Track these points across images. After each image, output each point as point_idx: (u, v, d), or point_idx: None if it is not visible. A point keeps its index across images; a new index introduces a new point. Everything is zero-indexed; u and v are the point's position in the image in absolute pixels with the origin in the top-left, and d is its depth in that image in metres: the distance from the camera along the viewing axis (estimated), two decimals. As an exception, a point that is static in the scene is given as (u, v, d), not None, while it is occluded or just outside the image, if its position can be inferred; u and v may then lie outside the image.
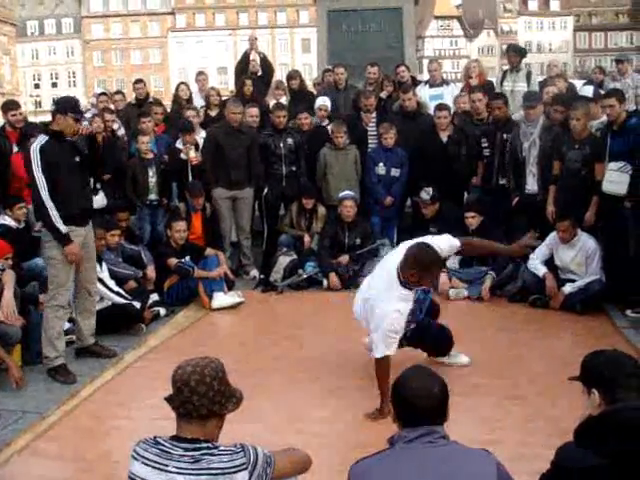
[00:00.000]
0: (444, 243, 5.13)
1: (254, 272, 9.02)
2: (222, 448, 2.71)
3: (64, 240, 5.71)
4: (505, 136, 8.35)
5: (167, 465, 2.68)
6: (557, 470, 2.59)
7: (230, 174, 8.83)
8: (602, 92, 9.12)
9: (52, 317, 5.81)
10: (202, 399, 2.70)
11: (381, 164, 9.07)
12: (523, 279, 7.69)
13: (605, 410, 2.63)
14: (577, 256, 7.41)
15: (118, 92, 12.39)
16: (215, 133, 8.97)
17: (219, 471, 2.64)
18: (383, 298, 4.90)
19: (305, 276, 8.51)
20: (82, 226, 5.91)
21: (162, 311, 7.50)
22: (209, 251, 8.22)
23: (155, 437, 2.78)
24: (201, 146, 9.13)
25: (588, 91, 9.24)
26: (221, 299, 7.79)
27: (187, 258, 8.02)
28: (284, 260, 8.64)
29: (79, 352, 6.25)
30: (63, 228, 5.68)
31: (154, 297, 7.61)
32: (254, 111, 9.33)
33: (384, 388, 4.79)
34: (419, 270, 4.70)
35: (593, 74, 12.42)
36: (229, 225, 9.02)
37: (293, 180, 9.16)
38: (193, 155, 8.93)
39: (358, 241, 8.65)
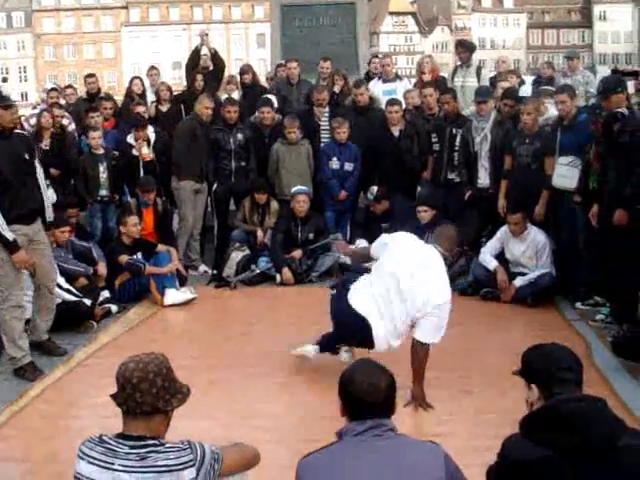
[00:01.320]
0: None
1: (203, 267, 8.95)
2: (169, 445, 2.68)
3: (11, 248, 5.52)
4: (454, 131, 8.40)
5: (113, 463, 2.65)
6: (503, 462, 2.62)
7: (201, 166, 8.80)
8: (541, 89, 9.32)
9: (10, 319, 5.68)
10: (145, 396, 2.67)
11: (335, 159, 9.05)
12: (474, 273, 7.73)
13: (548, 403, 2.65)
14: (528, 250, 7.48)
15: (69, 86, 12.24)
16: (192, 126, 8.86)
17: (165, 468, 2.61)
18: (439, 286, 4.99)
19: (258, 271, 8.46)
20: (29, 224, 5.73)
21: (113, 308, 7.40)
22: (160, 247, 8.11)
23: (101, 435, 2.75)
24: (153, 141, 9.05)
25: (527, 91, 9.42)
26: (173, 295, 7.70)
27: (139, 255, 7.94)
28: (237, 255, 8.56)
29: (30, 347, 6.00)
30: (10, 236, 5.49)
31: (105, 294, 7.51)
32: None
33: (423, 373, 4.99)
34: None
35: (542, 69, 12.62)
36: (192, 219, 8.91)
37: (242, 176, 9.11)
38: (146, 151, 8.85)
39: (311, 236, 8.63)
